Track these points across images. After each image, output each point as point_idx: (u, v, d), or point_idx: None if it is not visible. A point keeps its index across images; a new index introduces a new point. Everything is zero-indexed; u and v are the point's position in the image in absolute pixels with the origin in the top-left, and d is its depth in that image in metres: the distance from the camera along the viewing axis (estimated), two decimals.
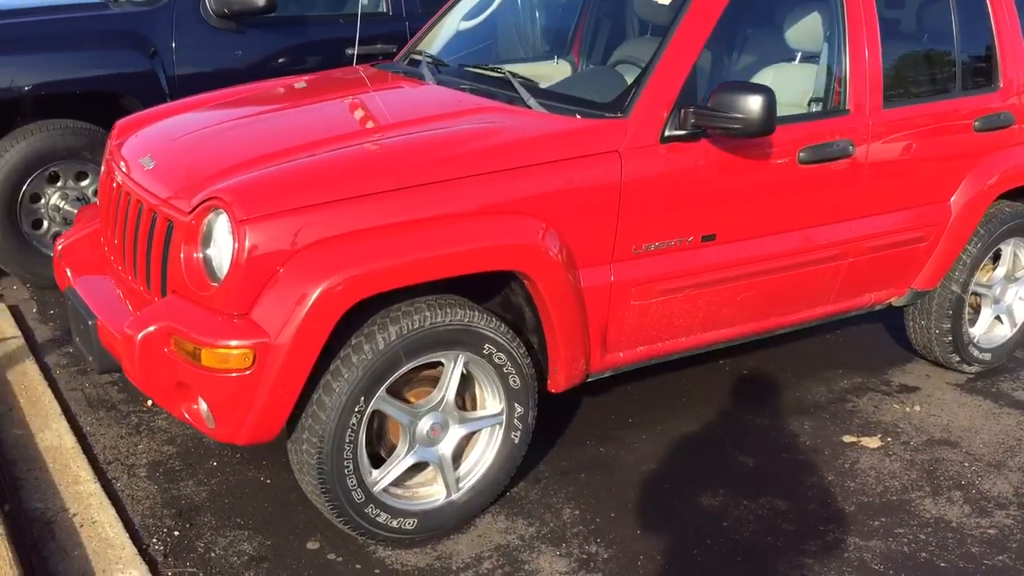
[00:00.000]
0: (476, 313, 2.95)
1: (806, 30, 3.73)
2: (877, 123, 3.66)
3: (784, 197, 3.49)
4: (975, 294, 4.35)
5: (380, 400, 2.86)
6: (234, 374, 2.69)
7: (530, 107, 3.30)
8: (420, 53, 4.11)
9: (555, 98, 3.39)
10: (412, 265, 2.76)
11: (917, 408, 4.11)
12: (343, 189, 2.78)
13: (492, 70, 3.68)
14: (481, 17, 4.49)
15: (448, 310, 2.90)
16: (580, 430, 3.82)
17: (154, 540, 3.04)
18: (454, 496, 3.10)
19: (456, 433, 3.07)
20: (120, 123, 3.71)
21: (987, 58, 4.09)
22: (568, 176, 3.05)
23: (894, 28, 3.91)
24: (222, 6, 5.15)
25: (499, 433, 3.14)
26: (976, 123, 3.93)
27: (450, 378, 2.98)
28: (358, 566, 2.97)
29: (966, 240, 4.08)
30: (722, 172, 3.32)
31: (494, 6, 4.50)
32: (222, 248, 2.75)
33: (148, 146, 3.35)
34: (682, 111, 3.18)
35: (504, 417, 3.12)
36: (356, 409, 2.80)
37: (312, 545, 3.05)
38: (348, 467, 2.84)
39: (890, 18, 3.86)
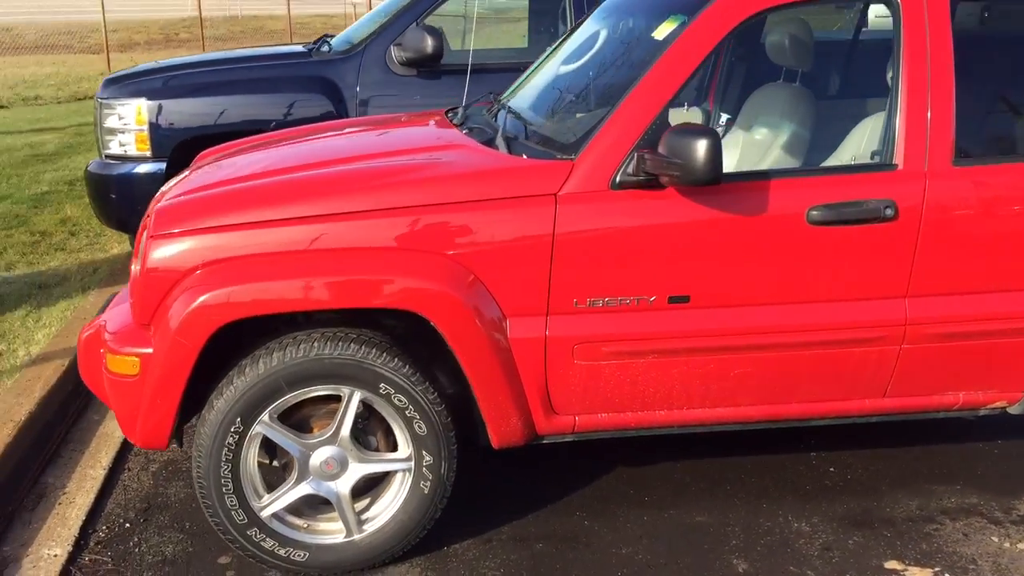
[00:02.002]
0: (373, 350, 2.87)
1: (844, 65, 3.16)
2: (940, 182, 2.99)
3: (788, 262, 2.98)
4: None
5: (263, 425, 2.88)
6: (127, 379, 2.88)
7: (495, 146, 3.15)
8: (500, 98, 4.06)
9: (534, 139, 3.20)
10: (286, 292, 2.77)
11: (1021, 546, 3.24)
12: (248, 214, 2.87)
13: (515, 112, 3.54)
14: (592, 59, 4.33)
15: (340, 344, 2.86)
16: (581, 497, 3.51)
17: (103, 527, 3.31)
18: (355, 537, 3.02)
19: (356, 471, 2.99)
20: (202, 153, 4.09)
21: None
22: (493, 218, 2.88)
23: (987, 58, 3.17)
24: (404, 54, 5.48)
25: (408, 480, 3.01)
26: None
27: (343, 413, 2.92)
28: None
29: None
30: (697, 226, 2.92)
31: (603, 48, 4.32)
32: (137, 261, 2.96)
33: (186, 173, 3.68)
34: (636, 156, 2.86)
35: (412, 464, 2.98)
36: (232, 429, 2.85)
37: (223, 560, 3.13)
38: (227, 486, 2.89)
39: (981, 42, 3.14)
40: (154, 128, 5.55)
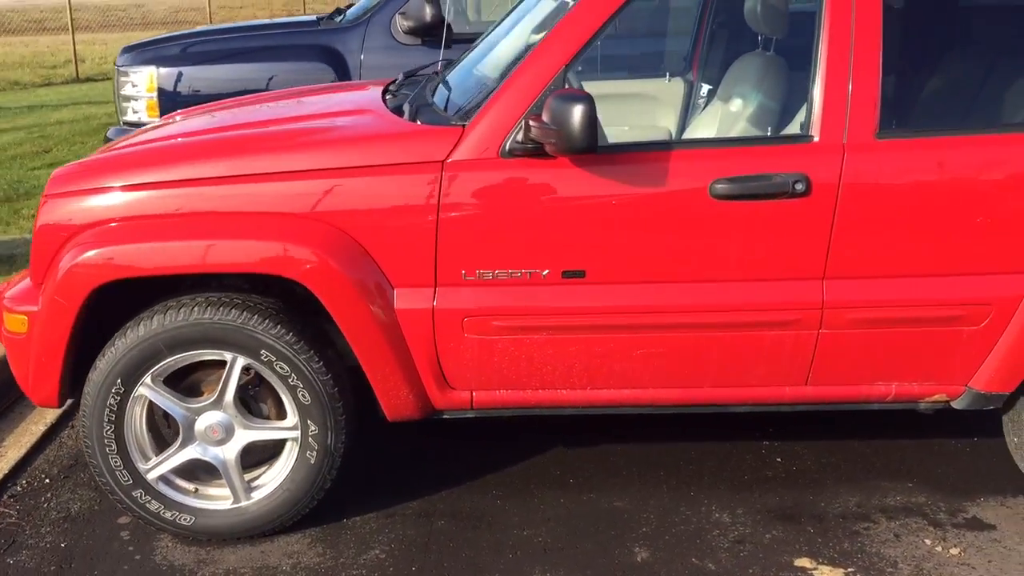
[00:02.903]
0: (256, 317, 2.83)
1: (765, 23, 2.95)
2: (860, 156, 2.77)
3: (691, 237, 2.81)
4: None
5: (145, 387, 2.88)
6: (18, 337, 2.92)
7: (401, 113, 3.05)
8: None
9: (440, 107, 3.10)
10: (159, 257, 2.76)
11: (954, 551, 3.01)
12: (133, 177, 2.86)
13: (445, 81, 3.43)
14: None
15: (221, 309, 2.83)
16: (504, 475, 3.41)
17: (23, 481, 3.38)
18: (242, 503, 3.00)
19: (242, 437, 2.96)
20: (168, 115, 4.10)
21: None
22: (378, 184, 2.80)
23: (920, 28, 2.91)
24: (407, 23, 5.41)
25: (296, 449, 2.96)
26: None
27: (226, 378, 2.89)
28: (130, 548, 3.02)
29: None
30: (593, 198, 2.78)
31: None
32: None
33: None
34: (524, 123, 2.73)
35: (299, 433, 2.94)
36: (114, 391, 2.85)
37: (123, 520, 3.15)
38: (111, 446, 2.90)
39: (914, 11, 2.89)
40: (163, 94, 5.63)
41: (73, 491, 3.32)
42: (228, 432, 2.95)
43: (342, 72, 5.56)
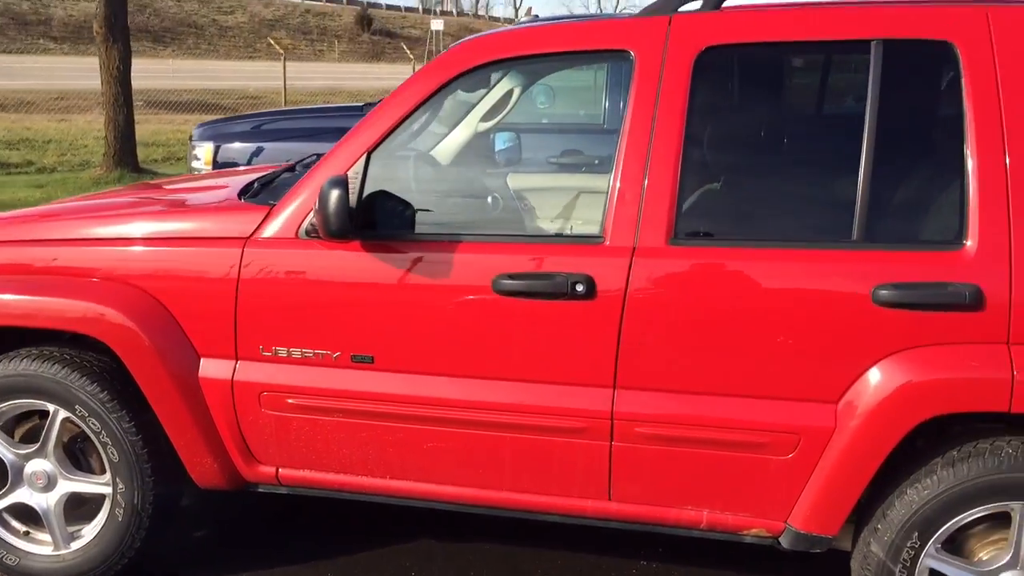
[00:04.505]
0: (75, 373, 2.99)
1: (576, 119, 2.86)
2: (650, 262, 2.62)
3: (475, 333, 2.74)
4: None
5: None
6: None
7: (242, 193, 3.17)
8: None
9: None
10: None
11: None
12: None
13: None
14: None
15: (47, 363, 3.00)
16: (351, 564, 3.38)
17: None
18: (62, 552, 3.13)
19: (63, 487, 3.10)
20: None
21: (943, 192, 2.58)
22: (188, 256, 2.92)
23: (728, 132, 2.73)
24: None
25: (108, 505, 3.07)
26: (886, 292, 2.51)
27: (48, 428, 3.05)
28: None
29: (871, 469, 2.58)
30: (381, 285, 2.78)
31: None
32: None
33: None
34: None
35: (110, 489, 3.05)
36: None
37: None
38: None
39: (725, 113, 2.71)
40: (216, 166, 6.08)
41: None
42: (51, 480, 3.10)
43: None
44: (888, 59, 2.56)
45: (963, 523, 2.57)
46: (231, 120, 6.51)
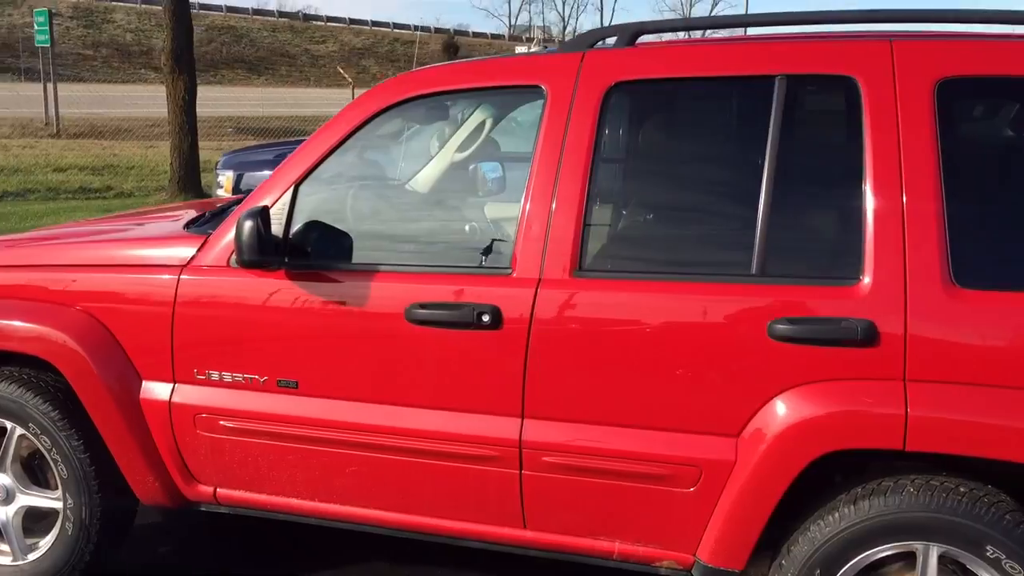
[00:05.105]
0: (29, 392, 3.15)
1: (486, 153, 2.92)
2: (554, 293, 2.66)
3: (391, 361, 2.81)
4: None
5: None
6: None
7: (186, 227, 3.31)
8: None
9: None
10: None
11: None
12: None
13: None
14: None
15: (3, 383, 3.17)
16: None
17: None
18: (20, 563, 3.28)
19: (20, 501, 3.26)
20: None
21: (839, 228, 2.56)
22: (130, 282, 3.07)
23: (641, 158, 2.74)
24: None
25: (60, 519, 3.22)
26: (781, 327, 2.50)
27: (6, 443, 3.22)
28: None
29: (771, 504, 2.56)
30: (301, 312, 2.88)
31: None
32: None
33: None
34: None
35: (61, 504, 3.19)
36: None
37: None
38: None
39: (636, 145, 2.73)
40: (236, 192, 6.30)
41: None
42: (9, 494, 3.27)
43: None
44: (790, 94, 2.57)
45: (869, 563, 2.53)
46: (254, 149, 6.74)
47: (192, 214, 3.55)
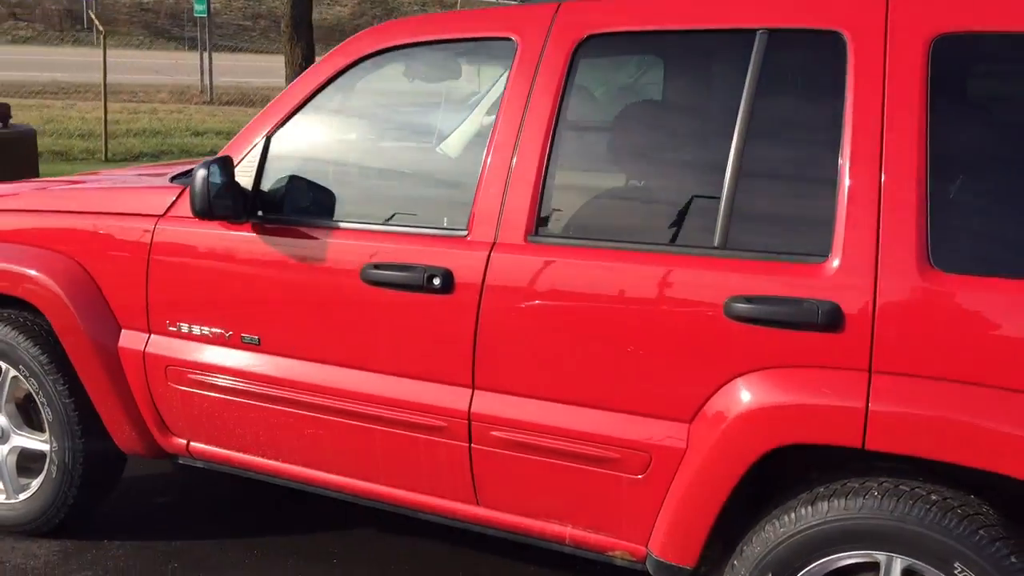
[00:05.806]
0: (21, 334, 3.20)
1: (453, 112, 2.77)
2: (507, 258, 2.51)
3: (345, 321, 2.72)
4: None
5: None
6: None
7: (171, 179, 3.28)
8: None
9: None
10: None
11: None
12: None
13: None
14: None
15: None
16: (291, 544, 3.43)
17: None
18: (12, 501, 3.35)
19: (14, 441, 3.33)
20: None
21: (810, 201, 2.30)
22: (110, 229, 3.08)
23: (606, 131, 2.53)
24: None
25: (47, 461, 3.27)
26: (739, 305, 2.28)
27: (1, 383, 3.28)
28: None
29: (720, 498, 2.34)
30: (264, 266, 2.83)
31: None
32: None
33: None
34: None
35: (48, 448, 3.24)
36: None
37: None
38: None
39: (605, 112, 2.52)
40: None
41: None
42: (4, 434, 3.34)
43: None
44: (770, 51, 2.33)
45: (828, 571, 2.28)
46: None
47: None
